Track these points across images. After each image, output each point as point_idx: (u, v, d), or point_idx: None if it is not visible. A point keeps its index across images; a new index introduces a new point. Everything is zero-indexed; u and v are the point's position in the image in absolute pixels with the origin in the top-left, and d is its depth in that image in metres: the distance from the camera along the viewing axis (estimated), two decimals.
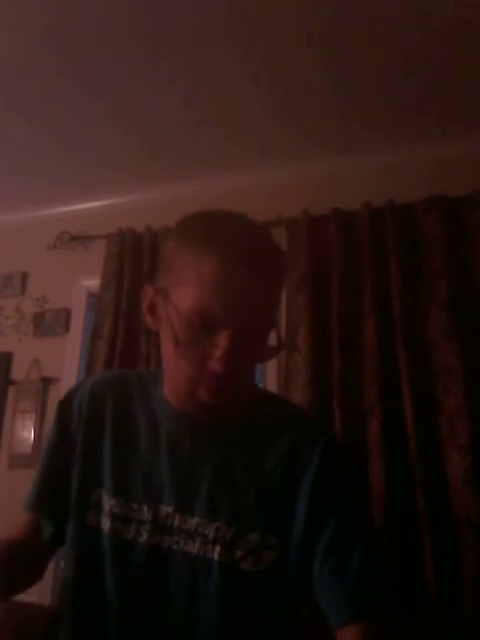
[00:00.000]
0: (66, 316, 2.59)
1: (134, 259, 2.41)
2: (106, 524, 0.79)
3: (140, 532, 0.77)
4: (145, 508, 0.78)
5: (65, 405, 0.89)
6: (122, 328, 2.31)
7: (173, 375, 0.77)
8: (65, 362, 2.50)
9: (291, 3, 1.62)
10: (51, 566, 2.34)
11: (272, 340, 0.78)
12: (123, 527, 0.78)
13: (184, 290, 0.70)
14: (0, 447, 2.49)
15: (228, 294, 0.68)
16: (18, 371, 2.58)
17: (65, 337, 2.56)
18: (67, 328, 2.57)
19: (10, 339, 2.66)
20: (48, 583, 2.20)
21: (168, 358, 0.76)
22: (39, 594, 2.16)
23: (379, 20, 1.67)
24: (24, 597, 2.16)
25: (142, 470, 0.80)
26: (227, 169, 2.42)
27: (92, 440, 0.84)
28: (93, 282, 2.51)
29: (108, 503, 0.79)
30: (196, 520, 0.76)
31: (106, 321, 2.35)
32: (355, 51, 1.79)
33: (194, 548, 0.75)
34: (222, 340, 0.68)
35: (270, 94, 1.99)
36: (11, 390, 2.55)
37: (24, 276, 2.75)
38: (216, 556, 0.74)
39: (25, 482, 2.69)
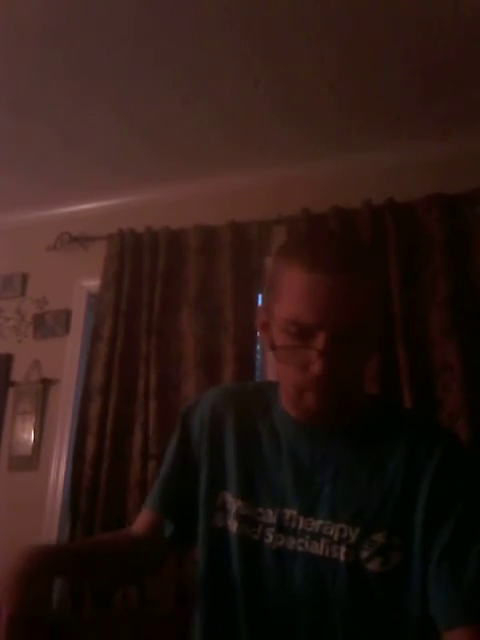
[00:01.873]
0: (66, 317, 2.58)
1: (134, 260, 2.41)
2: (234, 525, 0.83)
3: (266, 534, 0.81)
4: (270, 511, 0.82)
5: (187, 417, 0.97)
6: (122, 329, 2.30)
7: (283, 383, 0.83)
8: (65, 363, 2.50)
9: (291, 3, 1.62)
10: None
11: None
12: (250, 528, 0.82)
13: (281, 303, 0.76)
14: (0, 449, 2.48)
15: (316, 299, 0.72)
16: (18, 372, 2.57)
17: (65, 338, 2.55)
18: (67, 329, 2.57)
19: (10, 340, 2.65)
20: None
21: (278, 369, 0.81)
22: None
23: (379, 20, 1.67)
24: None
25: (265, 476, 0.85)
26: (227, 169, 2.41)
27: (216, 448, 0.90)
28: (93, 283, 2.51)
29: (234, 505, 0.84)
30: (320, 522, 0.78)
31: (106, 322, 2.34)
32: (355, 50, 1.79)
33: (319, 549, 0.77)
34: (317, 343, 0.72)
35: (270, 94, 1.99)
36: (11, 391, 2.54)
37: (24, 277, 2.75)
38: (342, 557, 0.75)
39: (25, 484, 2.70)
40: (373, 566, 0.74)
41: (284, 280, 0.76)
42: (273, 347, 0.77)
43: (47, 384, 2.49)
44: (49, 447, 2.39)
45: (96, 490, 2.09)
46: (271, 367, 2.20)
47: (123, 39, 1.77)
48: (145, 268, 2.38)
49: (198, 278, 2.28)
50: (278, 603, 0.79)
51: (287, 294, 0.75)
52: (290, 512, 0.80)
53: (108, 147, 2.32)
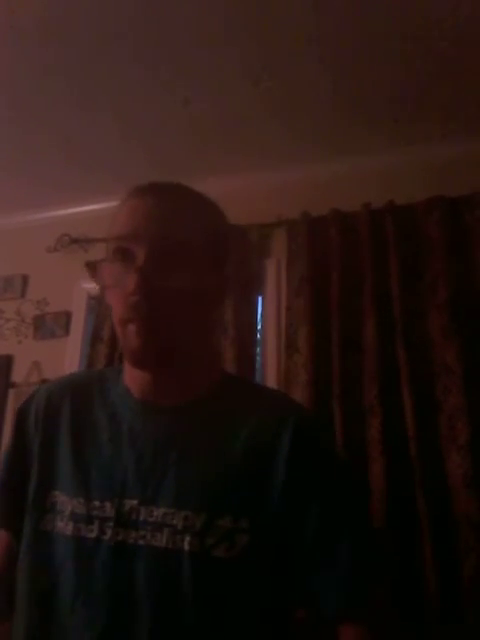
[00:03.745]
0: (66, 319, 2.59)
1: None
2: (68, 526, 0.74)
3: (104, 530, 0.73)
4: (108, 505, 0.74)
5: (22, 413, 0.88)
6: None
7: (114, 324, 0.77)
8: (65, 365, 2.50)
9: (291, 6, 1.62)
10: None
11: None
12: (85, 527, 0.74)
13: (109, 235, 0.77)
14: (0, 449, 2.49)
15: (133, 219, 0.74)
16: (18, 374, 2.57)
17: (65, 340, 2.56)
18: (67, 331, 2.57)
19: (10, 342, 2.66)
20: None
21: (113, 317, 0.78)
22: None
23: (379, 22, 1.67)
24: None
25: (102, 467, 0.77)
26: (227, 171, 2.41)
27: (48, 444, 0.82)
28: (93, 285, 2.51)
29: (68, 505, 0.76)
30: (162, 511, 0.72)
31: (106, 323, 2.34)
32: (355, 53, 1.79)
33: (162, 541, 0.70)
34: (135, 263, 0.72)
35: (270, 96, 1.99)
36: (11, 393, 2.54)
37: (24, 279, 2.75)
38: (186, 546, 0.69)
39: None
40: (219, 552, 0.69)
41: (115, 215, 0.78)
42: (105, 288, 0.78)
43: None
44: None
45: None
46: (270, 367, 2.20)
47: (123, 41, 1.77)
48: None
49: None
50: (119, 605, 0.70)
51: (113, 223, 0.77)
52: (130, 503, 0.73)
53: (108, 149, 2.32)
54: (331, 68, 1.85)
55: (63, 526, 0.75)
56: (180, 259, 0.73)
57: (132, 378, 0.82)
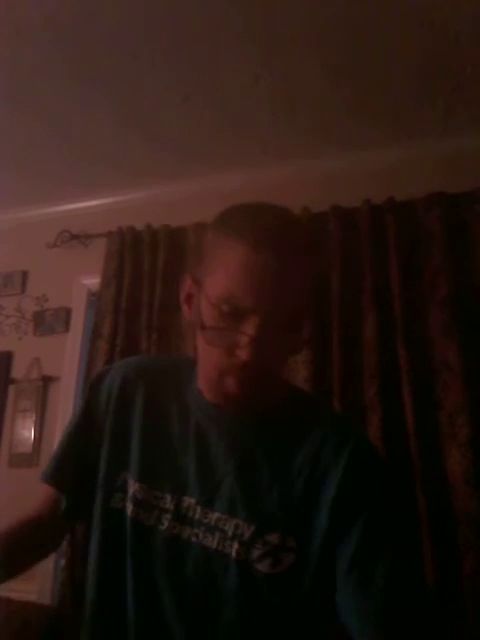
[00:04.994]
0: (66, 315, 2.59)
1: (134, 257, 2.41)
2: (129, 507, 0.79)
3: (161, 520, 0.77)
4: (168, 497, 0.78)
5: (94, 387, 0.91)
6: (122, 326, 2.30)
7: (204, 363, 0.78)
8: (65, 361, 2.50)
9: (291, 1, 1.61)
10: (51, 567, 2.33)
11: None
12: (145, 513, 0.78)
13: (215, 278, 0.71)
14: (0, 446, 2.49)
15: (254, 280, 0.68)
16: (18, 370, 2.57)
17: (65, 336, 2.56)
18: (67, 327, 2.57)
19: (10, 338, 2.66)
20: (48, 583, 2.20)
21: (201, 349, 0.77)
22: (39, 594, 2.16)
23: (379, 18, 1.66)
24: (24, 597, 2.17)
25: (169, 459, 0.81)
26: (227, 167, 2.41)
27: (121, 424, 0.85)
28: (93, 280, 2.51)
29: (132, 487, 0.80)
30: (217, 514, 0.75)
31: (106, 319, 2.34)
32: (355, 49, 1.78)
33: (213, 542, 0.74)
34: (249, 328, 0.68)
35: (270, 92, 1.99)
36: (11, 389, 2.55)
37: (24, 275, 2.75)
38: (234, 553, 0.73)
39: (25, 481, 2.70)
40: (262, 567, 0.72)
41: (221, 254, 0.71)
42: (202, 326, 0.72)
43: (47, 381, 2.50)
44: (49, 444, 2.39)
45: None
46: None
47: (123, 36, 1.76)
48: (145, 266, 2.38)
49: None
50: (168, 591, 0.76)
51: (224, 270, 0.70)
52: (189, 500, 0.77)
53: (108, 145, 2.31)
54: (331, 64, 1.85)
55: (126, 506, 0.80)
56: (291, 324, 0.72)
57: (203, 383, 0.83)
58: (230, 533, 0.74)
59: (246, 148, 2.30)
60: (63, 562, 2.06)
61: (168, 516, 0.77)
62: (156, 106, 2.08)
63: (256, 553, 0.72)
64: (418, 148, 2.18)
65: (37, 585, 2.18)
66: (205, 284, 0.73)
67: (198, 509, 0.77)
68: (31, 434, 2.44)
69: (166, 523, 0.77)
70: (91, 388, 0.91)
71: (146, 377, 0.88)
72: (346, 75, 1.90)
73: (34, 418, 2.45)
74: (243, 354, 0.68)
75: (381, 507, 0.75)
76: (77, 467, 0.88)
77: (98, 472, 0.84)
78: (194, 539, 0.76)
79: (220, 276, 0.70)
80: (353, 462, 0.75)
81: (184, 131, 2.21)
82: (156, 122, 2.17)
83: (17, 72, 1.93)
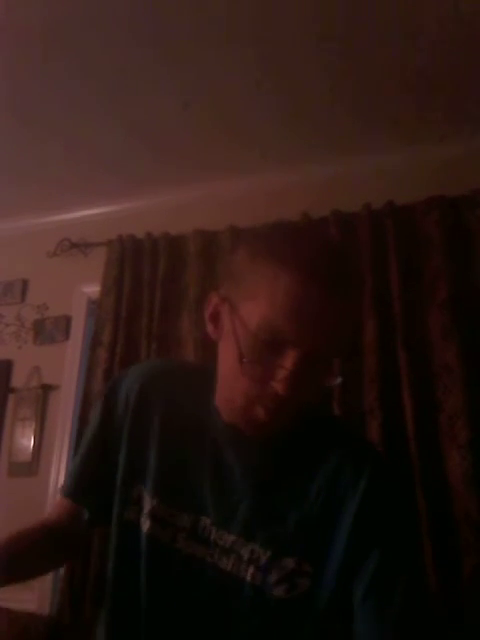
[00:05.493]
0: (66, 323, 2.58)
1: (134, 265, 2.40)
2: (146, 523, 0.78)
3: (176, 538, 0.76)
4: (185, 516, 0.77)
5: (112, 392, 0.88)
6: (122, 334, 2.29)
7: (230, 388, 0.74)
8: (65, 369, 2.49)
9: (292, 6, 1.62)
10: (50, 576, 2.31)
11: None
12: (162, 530, 0.77)
13: (255, 305, 0.68)
14: (0, 454, 2.48)
15: (302, 315, 0.65)
16: (18, 378, 2.57)
17: (65, 344, 2.55)
18: (67, 335, 2.57)
19: (10, 346, 2.66)
20: (47, 593, 2.18)
21: (227, 371, 0.74)
22: (38, 604, 2.14)
23: (379, 23, 1.67)
24: (23, 606, 2.15)
25: (185, 477, 0.79)
26: (228, 173, 2.41)
27: (138, 435, 0.83)
28: (93, 289, 2.51)
29: (149, 503, 0.78)
30: (233, 537, 0.75)
31: (106, 328, 2.34)
32: (355, 54, 1.79)
33: (228, 565, 0.74)
34: (288, 361, 0.66)
35: (271, 98, 1.99)
36: (11, 397, 2.54)
37: (24, 283, 2.75)
38: (249, 577, 0.72)
39: (25, 490, 2.69)
40: (278, 592, 0.72)
41: (263, 281, 0.68)
42: (241, 358, 0.68)
43: (47, 390, 2.49)
44: (49, 453, 2.38)
45: None
46: None
47: (123, 43, 1.77)
48: (145, 274, 2.37)
49: (198, 283, 2.27)
50: (182, 609, 0.75)
51: (268, 298, 0.66)
52: (205, 520, 0.76)
53: (108, 153, 2.32)
54: (331, 70, 1.85)
55: (142, 521, 0.78)
56: (330, 360, 0.71)
57: (224, 404, 0.80)
58: (246, 557, 0.73)
59: (246, 154, 2.31)
60: (62, 572, 2.04)
61: (184, 535, 0.76)
62: (156, 113, 2.09)
63: (272, 578, 0.72)
64: (417, 152, 2.18)
65: (36, 595, 2.16)
66: (240, 308, 0.70)
67: (214, 530, 0.76)
68: (31, 443, 2.42)
69: (182, 542, 0.76)
70: (108, 394, 0.89)
71: (165, 386, 0.86)
72: (346, 80, 1.90)
73: (34, 427, 2.44)
74: (279, 388, 0.66)
75: (397, 536, 0.74)
76: (97, 479, 0.87)
77: (116, 480, 0.83)
78: (209, 559, 0.75)
79: (262, 304, 0.67)
80: (370, 490, 0.74)
81: (184, 138, 2.22)
82: (156, 129, 2.17)
83: (17, 80, 1.94)
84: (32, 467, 2.38)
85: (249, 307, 0.68)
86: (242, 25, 1.69)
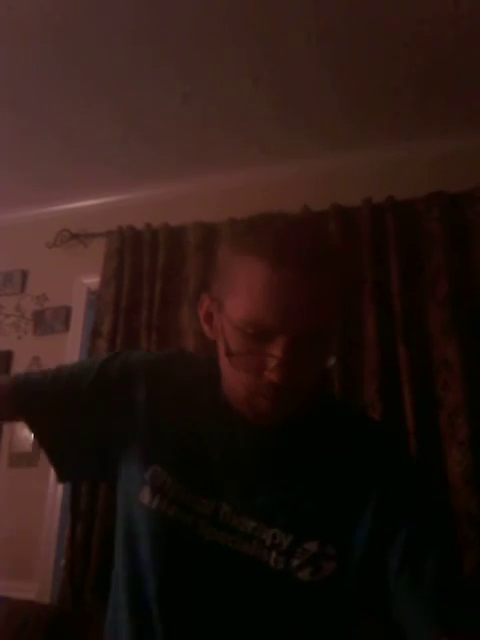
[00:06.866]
0: (66, 314, 2.59)
1: (134, 256, 2.40)
2: (169, 508, 0.77)
3: (197, 523, 0.76)
4: (205, 501, 0.76)
5: (111, 367, 0.85)
6: (122, 325, 2.30)
7: (231, 383, 0.75)
8: (65, 360, 2.49)
9: (290, 2, 1.61)
10: (51, 566, 2.33)
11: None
12: (183, 515, 0.76)
13: (236, 300, 0.68)
14: (0, 445, 2.49)
15: (280, 300, 0.65)
16: (18, 369, 2.57)
17: (65, 335, 2.56)
18: (67, 326, 2.57)
19: (10, 337, 2.66)
20: (47, 582, 2.20)
21: (225, 367, 0.74)
22: (38, 593, 2.16)
23: (378, 17, 1.67)
24: (23, 596, 2.17)
25: (204, 462, 0.78)
26: (227, 166, 2.41)
27: (153, 417, 0.82)
28: (93, 280, 2.51)
29: (171, 489, 0.77)
30: (253, 523, 0.74)
31: (106, 319, 2.34)
32: (355, 48, 1.78)
33: (250, 549, 0.74)
34: (277, 349, 0.65)
35: (270, 91, 1.99)
36: None
37: (24, 274, 2.75)
38: (272, 562, 0.72)
39: (26, 480, 2.70)
40: (303, 575, 0.71)
41: (242, 274, 0.68)
42: (228, 352, 0.69)
43: None
44: None
45: (96, 486, 2.09)
46: None
47: (122, 36, 1.76)
48: (145, 265, 2.37)
49: (198, 275, 2.27)
50: (201, 596, 0.75)
51: (246, 291, 0.67)
52: (226, 507, 0.76)
53: (108, 144, 2.31)
54: (331, 63, 1.85)
55: (165, 507, 0.77)
56: (321, 343, 0.69)
57: (234, 400, 0.79)
58: (268, 542, 0.73)
59: (246, 147, 2.30)
60: (63, 561, 2.06)
61: (205, 521, 0.76)
62: (155, 105, 2.08)
63: (295, 562, 0.72)
64: (418, 147, 2.18)
65: (36, 584, 2.18)
66: (225, 305, 0.70)
67: (234, 517, 0.75)
68: (31, 434, 2.43)
69: (203, 527, 0.75)
70: (105, 368, 0.85)
71: (177, 375, 0.85)
72: (346, 74, 1.90)
73: None
74: (273, 376, 0.66)
75: (425, 504, 0.75)
76: (72, 440, 0.87)
77: (91, 443, 0.85)
78: (231, 545, 0.74)
79: (243, 298, 0.67)
80: (393, 466, 0.75)
81: (183, 130, 2.21)
82: (155, 121, 2.16)
83: (15, 71, 1.93)
84: (32, 458, 2.39)
85: (233, 303, 0.69)
86: (241, 19, 1.68)
